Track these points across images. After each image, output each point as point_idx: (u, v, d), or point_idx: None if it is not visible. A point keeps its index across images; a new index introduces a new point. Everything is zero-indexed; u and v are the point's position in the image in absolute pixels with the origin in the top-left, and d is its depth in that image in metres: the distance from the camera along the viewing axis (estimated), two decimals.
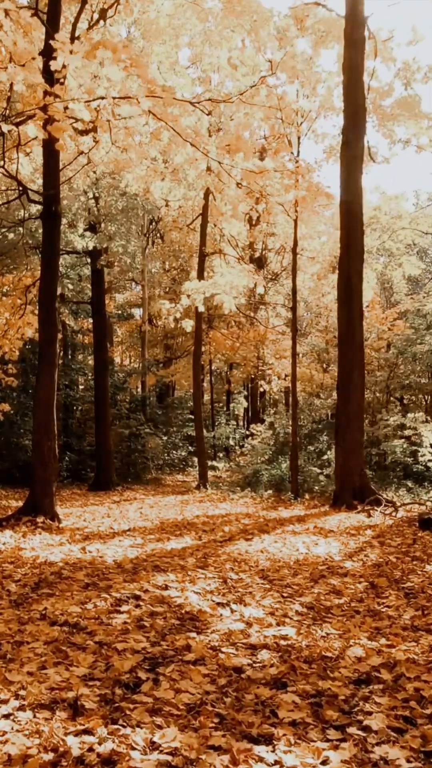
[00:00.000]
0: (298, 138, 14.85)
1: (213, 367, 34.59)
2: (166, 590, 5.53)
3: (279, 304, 22.38)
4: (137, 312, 33.50)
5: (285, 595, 5.53)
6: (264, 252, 27.96)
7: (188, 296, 14.60)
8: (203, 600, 5.27)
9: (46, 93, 7.75)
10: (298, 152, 15.51)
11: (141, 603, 5.12)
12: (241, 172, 10.97)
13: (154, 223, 27.46)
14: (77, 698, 3.26)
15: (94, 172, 15.53)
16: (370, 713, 3.17)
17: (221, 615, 4.90)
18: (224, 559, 7.03)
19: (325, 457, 16.54)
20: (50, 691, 3.38)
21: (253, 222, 26.62)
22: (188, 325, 15.12)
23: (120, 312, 32.64)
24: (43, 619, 4.69)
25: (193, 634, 4.40)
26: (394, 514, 10.32)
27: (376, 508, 10.90)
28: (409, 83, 16.58)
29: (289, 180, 11.04)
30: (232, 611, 5.01)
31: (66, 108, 7.59)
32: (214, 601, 5.25)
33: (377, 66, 15.41)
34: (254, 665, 3.84)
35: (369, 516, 10.45)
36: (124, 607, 4.98)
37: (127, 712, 3.15)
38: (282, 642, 4.28)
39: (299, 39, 13.75)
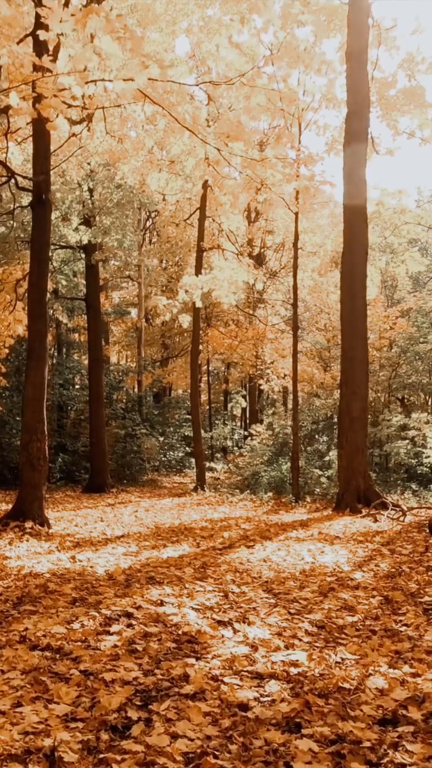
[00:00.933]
0: (299, 129, 14.38)
1: (210, 368, 34.09)
2: (161, 606, 5.02)
3: (279, 300, 21.86)
4: (133, 312, 33.00)
5: (292, 611, 5.03)
6: (262, 250, 27.47)
7: (186, 291, 14.10)
8: (202, 618, 4.76)
9: (35, 67, 7.24)
10: (299, 143, 15.02)
11: (133, 622, 4.62)
12: (241, 160, 10.50)
13: (150, 220, 26.95)
14: (55, 747, 2.75)
15: (89, 164, 15.02)
16: (403, 767, 2.67)
17: (223, 636, 4.39)
18: (225, 569, 6.52)
19: (327, 458, 16.05)
20: (24, 737, 2.88)
21: (252, 219, 26.16)
22: (186, 320, 14.62)
23: (116, 311, 32.10)
24: (22, 642, 4.17)
25: (192, 660, 3.90)
26: (401, 518, 9.83)
27: (382, 512, 10.41)
28: (412, 74, 16.14)
29: (290, 170, 10.57)
30: (235, 631, 4.50)
31: (58, 84, 7.07)
32: (214, 619, 4.75)
33: (380, 55, 14.96)
34: (262, 700, 3.33)
35: (375, 521, 9.96)
36: (115, 627, 4.48)
37: (114, 766, 2.64)
38: (292, 670, 3.79)
39: (302, 24, 13.26)
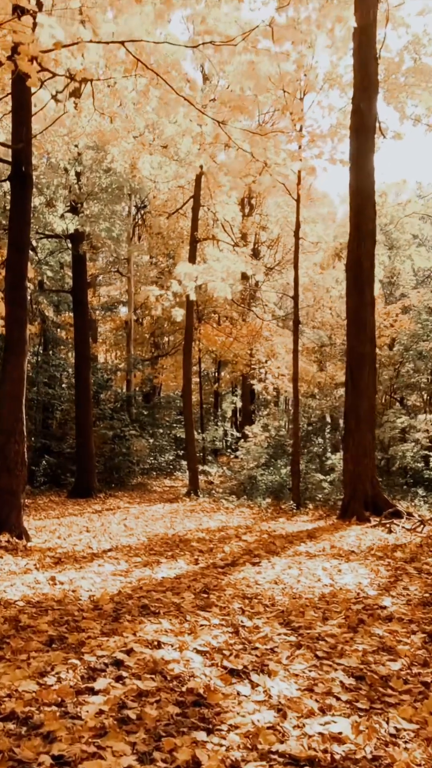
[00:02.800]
0: (301, 111, 13.45)
1: (201, 368, 33.13)
2: (158, 649, 4.06)
3: (278, 292, 20.91)
4: (123, 311, 31.95)
5: (320, 654, 4.09)
6: (257, 245, 26.60)
7: (179, 282, 13.14)
8: (210, 666, 3.81)
9: (16, 8, 6.27)
10: (301, 128, 14.12)
11: (124, 673, 3.65)
12: (243, 135, 9.58)
13: (140, 214, 25.94)
14: None
15: (76, 146, 14.01)
16: None
17: (238, 694, 3.44)
18: (230, 594, 5.57)
19: (330, 462, 15.16)
20: None
21: (245, 213, 25.25)
22: (179, 314, 13.66)
23: (104, 307, 31.05)
24: None
25: (202, 735, 2.95)
26: (419, 529, 8.94)
27: (396, 522, 9.52)
28: (419, 57, 15.35)
29: (295, 145, 9.68)
30: (253, 686, 3.56)
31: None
32: (225, 667, 3.80)
33: (388, 33, 14.11)
34: None
35: (390, 531, 9.06)
36: (101, 682, 3.51)
37: None
38: (336, 748, 2.85)
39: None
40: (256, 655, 4.05)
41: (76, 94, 12.90)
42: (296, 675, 3.74)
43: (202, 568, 6.77)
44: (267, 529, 10.15)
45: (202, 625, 4.62)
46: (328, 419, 24.61)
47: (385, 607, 5.15)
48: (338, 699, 3.44)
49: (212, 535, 9.41)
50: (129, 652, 3.98)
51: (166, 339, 31.89)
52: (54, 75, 9.56)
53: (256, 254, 26.21)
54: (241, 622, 4.73)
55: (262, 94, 9.64)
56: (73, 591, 5.70)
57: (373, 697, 3.47)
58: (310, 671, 3.82)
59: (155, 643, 4.16)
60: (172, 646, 4.13)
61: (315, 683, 3.63)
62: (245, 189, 24.44)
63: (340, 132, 14.40)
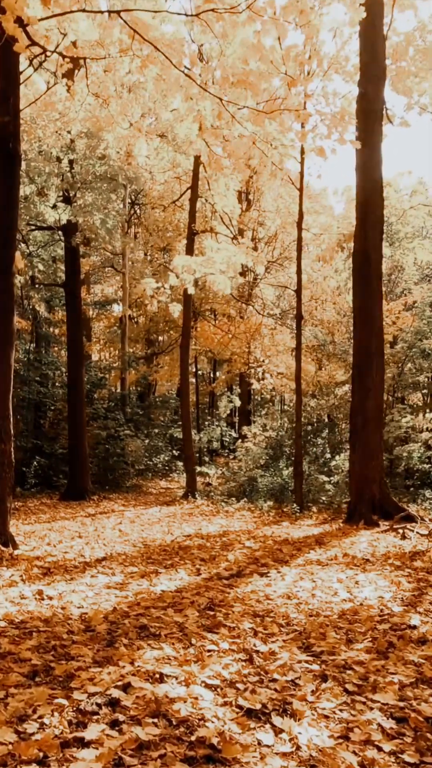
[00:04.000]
0: (305, 97, 12.89)
1: (197, 368, 32.52)
2: (160, 683, 3.45)
3: (281, 286, 20.31)
4: (117, 309, 31.29)
5: (350, 688, 3.49)
6: (255, 242, 26.02)
7: (177, 276, 12.53)
8: (223, 705, 3.21)
9: None
10: (304, 105, 13.55)
11: (120, 716, 3.04)
12: (248, 113, 9.01)
13: (136, 206, 25.32)
14: None
15: (69, 132, 13.38)
16: None
17: (259, 744, 2.85)
18: (239, 611, 4.96)
19: (334, 463, 14.58)
20: None
21: (243, 208, 24.67)
22: (176, 309, 13.05)
23: (98, 306, 30.38)
24: None
25: None
26: None
27: (410, 527, 8.94)
28: (425, 41, 14.82)
29: (298, 122, 9.09)
30: (276, 732, 2.96)
31: None
32: (241, 707, 3.20)
33: (396, 16, 13.55)
34: None
35: (403, 538, 8.48)
36: (93, 730, 2.90)
37: None
38: None
39: None
40: (276, 689, 3.45)
41: (69, 75, 12.30)
42: (326, 716, 3.14)
43: (205, 580, 6.16)
44: (271, 534, 9.55)
45: (209, 651, 4.02)
46: (326, 419, 24.04)
47: (414, 627, 4.56)
48: (380, 750, 2.84)
49: (213, 541, 8.80)
50: (126, 687, 3.36)
51: (161, 338, 31.26)
52: (44, 51, 8.96)
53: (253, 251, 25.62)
54: (254, 646, 4.13)
55: (267, 67, 9.06)
56: (63, 608, 5.08)
57: (422, 747, 2.87)
58: (341, 710, 3.22)
59: (157, 674, 3.55)
60: (176, 678, 3.52)
61: (349, 728, 3.03)
62: (243, 183, 23.87)
63: (345, 119, 13.83)
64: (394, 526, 9.15)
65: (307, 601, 5.27)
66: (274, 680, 3.58)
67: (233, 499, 14.26)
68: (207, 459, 24.83)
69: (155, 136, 13.73)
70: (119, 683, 3.42)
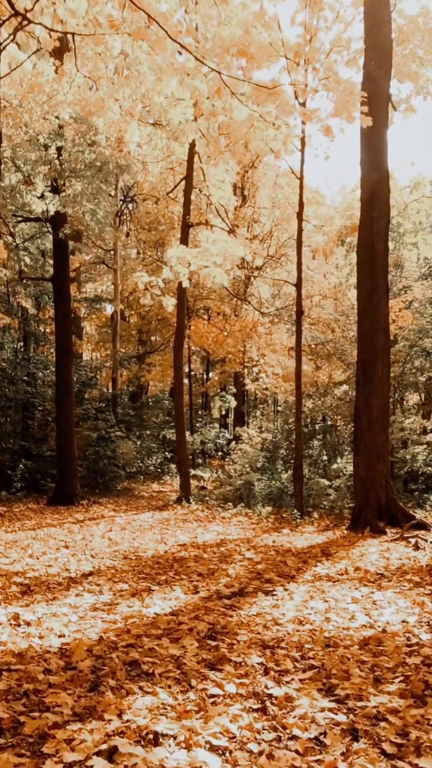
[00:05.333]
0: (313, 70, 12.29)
1: (190, 368, 31.83)
2: (155, 746, 2.78)
3: (279, 280, 19.63)
4: (109, 308, 30.54)
5: (388, 749, 2.84)
6: (250, 240, 25.39)
7: (171, 268, 11.87)
8: None
9: None
10: (304, 104, 12.96)
11: None
12: (250, 89, 8.38)
13: (128, 202, 24.63)
14: None
15: (57, 117, 12.68)
16: None
17: None
18: (245, 640, 4.30)
19: (335, 466, 13.96)
20: None
21: (238, 204, 24.04)
22: (170, 303, 12.38)
23: (89, 303, 29.63)
24: None
25: None
26: None
27: (422, 535, 8.31)
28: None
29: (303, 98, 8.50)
30: None
31: None
32: None
33: None
34: None
35: (416, 548, 7.84)
36: None
37: None
38: None
39: None
40: (297, 752, 2.80)
41: (57, 55, 11.63)
42: None
43: (204, 599, 5.50)
44: (272, 543, 8.89)
45: (213, 697, 3.36)
46: (322, 421, 23.45)
47: None
48: None
49: (211, 551, 8.13)
50: (112, 753, 2.69)
51: (154, 338, 30.55)
52: (30, 22, 8.29)
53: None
54: (267, 688, 3.47)
55: (269, 36, 8.44)
56: (41, 637, 4.40)
57: None
58: None
59: (150, 734, 2.88)
60: (174, 738, 2.86)
61: None
62: (239, 178, 23.24)
63: (353, 94, 13.22)
64: (405, 535, 8.52)
65: (322, 627, 4.61)
66: (294, 737, 2.92)
67: (229, 503, 13.61)
68: (201, 461, 24.15)
69: (148, 123, 13.08)
70: (104, 745, 2.75)
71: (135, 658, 3.91)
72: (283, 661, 3.89)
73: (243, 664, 3.86)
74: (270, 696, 3.38)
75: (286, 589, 5.80)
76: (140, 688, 3.45)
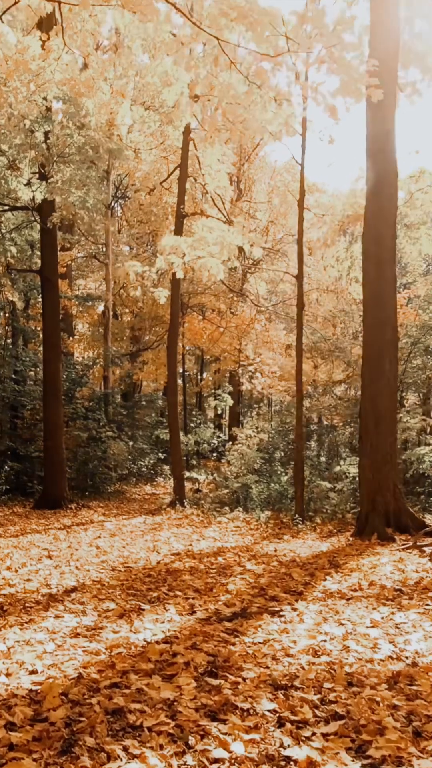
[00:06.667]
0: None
1: (184, 367, 31.12)
2: None
3: (281, 271, 18.96)
4: (101, 308, 29.75)
5: None
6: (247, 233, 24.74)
7: (164, 258, 11.18)
8: None
9: None
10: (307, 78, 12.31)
11: None
12: (250, 59, 7.74)
13: (120, 198, 23.90)
14: None
15: (45, 99, 11.97)
16: None
17: None
18: (252, 677, 3.61)
19: (337, 468, 13.30)
20: None
21: (234, 198, 23.38)
22: (163, 295, 11.69)
23: (81, 301, 28.87)
24: None
25: None
26: None
27: None
28: None
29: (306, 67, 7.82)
30: None
31: None
32: None
33: None
34: None
35: None
36: None
37: None
38: None
39: None
40: None
41: (44, 27, 10.93)
42: None
43: (202, 622, 4.80)
44: (274, 552, 8.21)
45: (217, 762, 2.66)
46: (317, 421, 22.82)
47: None
48: None
49: (208, 562, 7.44)
50: None
51: (147, 337, 29.82)
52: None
53: (241, 249, 24.35)
54: (283, 747, 2.78)
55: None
56: (8, 674, 3.69)
57: None
58: None
59: None
60: None
61: None
62: (236, 170, 22.59)
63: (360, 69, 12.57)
64: (418, 543, 7.86)
65: (341, 659, 3.93)
66: None
67: (226, 507, 12.91)
68: (195, 463, 23.43)
69: (141, 104, 12.40)
70: None
71: (119, 705, 3.21)
72: (300, 708, 3.21)
73: (251, 711, 3.17)
74: (288, 760, 2.69)
75: (294, 609, 5.12)
76: (125, 749, 2.75)
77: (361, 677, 3.64)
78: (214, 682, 3.55)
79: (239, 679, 3.60)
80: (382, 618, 4.82)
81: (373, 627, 4.60)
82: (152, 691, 3.42)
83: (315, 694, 3.40)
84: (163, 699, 3.31)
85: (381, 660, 3.91)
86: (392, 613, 4.94)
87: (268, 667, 3.80)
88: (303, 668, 3.77)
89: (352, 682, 3.57)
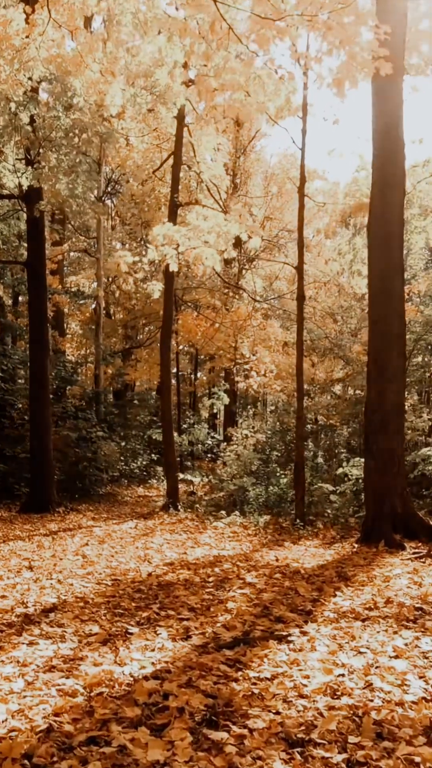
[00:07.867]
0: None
1: (178, 366, 30.45)
2: None
3: (281, 262, 18.30)
4: (94, 305, 29.02)
5: None
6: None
7: (156, 248, 10.52)
8: None
9: None
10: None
11: None
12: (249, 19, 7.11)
13: (112, 193, 23.22)
14: None
15: (30, 79, 11.27)
16: None
17: None
18: (260, 728, 2.96)
19: (340, 470, 12.68)
20: None
21: (229, 193, 22.74)
22: (156, 288, 11.03)
23: (72, 299, 28.15)
24: None
25: None
26: None
27: None
28: None
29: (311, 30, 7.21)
30: None
31: None
32: None
33: None
34: None
35: None
36: None
37: None
38: None
39: None
40: None
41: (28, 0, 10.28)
42: None
43: (198, 650, 4.15)
44: (274, 560, 7.57)
45: None
46: (315, 421, 22.21)
47: None
48: None
49: (204, 573, 6.78)
50: None
51: (140, 336, 29.14)
52: None
53: (237, 242, 23.72)
54: None
55: None
56: None
57: None
58: None
59: None
60: None
61: None
62: (231, 162, 21.95)
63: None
64: (431, 552, 7.24)
65: (366, 702, 3.28)
66: None
67: (222, 511, 12.27)
68: (189, 464, 22.78)
69: (131, 86, 11.75)
70: None
71: None
72: None
73: None
74: None
75: (304, 633, 4.47)
76: None
77: (392, 727, 2.99)
78: (215, 735, 2.89)
79: (245, 731, 2.95)
80: (406, 645, 4.18)
81: (397, 657, 3.96)
82: (138, 749, 2.76)
83: (339, 753, 2.75)
84: (152, 763, 2.65)
85: (413, 703, 3.27)
86: (417, 638, 4.31)
87: (279, 713, 3.16)
88: (321, 715, 3.12)
89: (382, 734, 2.93)
